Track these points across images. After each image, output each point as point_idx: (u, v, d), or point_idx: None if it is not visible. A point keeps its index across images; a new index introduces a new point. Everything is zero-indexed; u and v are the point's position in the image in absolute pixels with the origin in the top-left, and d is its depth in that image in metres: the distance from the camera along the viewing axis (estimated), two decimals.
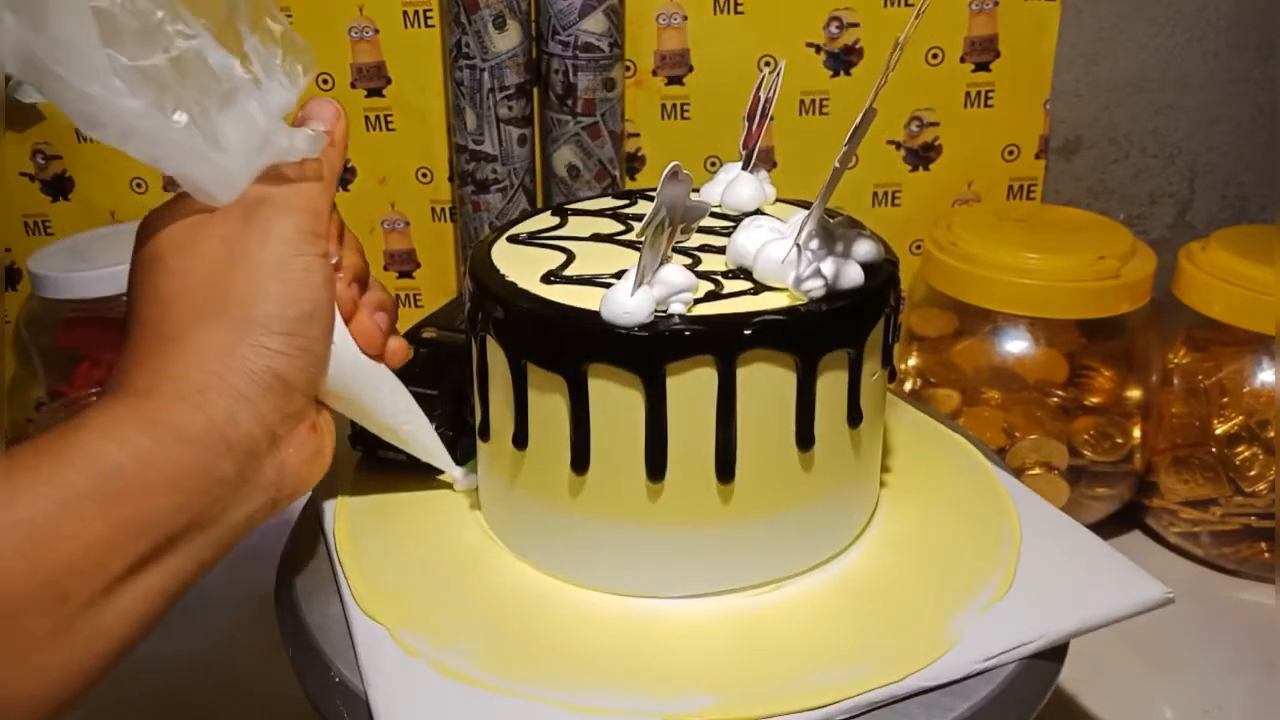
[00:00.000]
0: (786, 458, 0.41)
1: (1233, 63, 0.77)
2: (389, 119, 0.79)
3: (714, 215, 0.49)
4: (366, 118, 0.79)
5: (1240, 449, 0.66)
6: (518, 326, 0.40)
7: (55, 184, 0.82)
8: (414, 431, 0.45)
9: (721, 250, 0.43)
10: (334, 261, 0.40)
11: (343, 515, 0.48)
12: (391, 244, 0.83)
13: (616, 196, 0.53)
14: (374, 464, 0.49)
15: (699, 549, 0.41)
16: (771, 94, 0.50)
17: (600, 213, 0.50)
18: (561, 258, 0.44)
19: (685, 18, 0.75)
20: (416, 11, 0.75)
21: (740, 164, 0.51)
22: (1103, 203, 0.82)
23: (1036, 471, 0.67)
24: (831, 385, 0.41)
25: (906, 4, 0.74)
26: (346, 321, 0.40)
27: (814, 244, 0.40)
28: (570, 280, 0.42)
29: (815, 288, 0.40)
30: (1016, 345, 0.67)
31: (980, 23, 0.75)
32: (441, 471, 0.47)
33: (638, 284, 0.38)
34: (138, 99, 0.33)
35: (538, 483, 0.42)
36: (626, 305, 0.38)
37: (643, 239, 0.37)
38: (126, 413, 0.33)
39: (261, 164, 0.37)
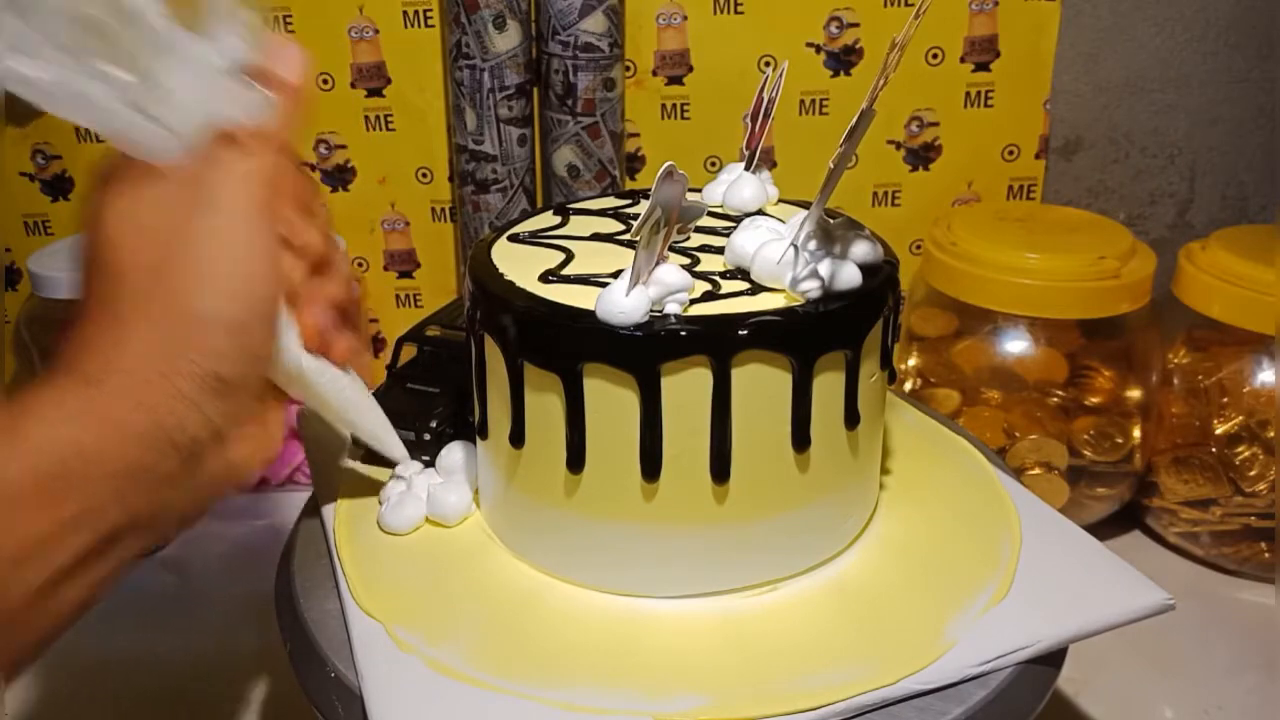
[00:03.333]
0: (782, 459, 0.41)
1: (1233, 63, 0.77)
2: (389, 119, 0.79)
3: (715, 216, 0.49)
4: (366, 118, 0.79)
5: (1240, 449, 0.66)
6: (515, 325, 0.40)
7: (55, 184, 0.82)
8: (361, 422, 0.45)
9: (721, 250, 0.43)
10: (296, 241, 0.37)
11: (343, 512, 0.48)
12: (391, 244, 0.83)
13: (619, 196, 0.53)
14: (373, 459, 0.49)
15: (693, 549, 0.42)
16: (774, 94, 0.50)
17: (602, 212, 0.50)
18: (560, 257, 0.44)
19: (685, 18, 0.75)
20: (416, 11, 0.75)
21: (742, 164, 0.51)
22: (1103, 203, 0.82)
23: (1036, 471, 0.67)
24: (828, 386, 0.41)
25: (906, 4, 0.74)
26: (294, 312, 0.38)
27: (811, 245, 0.40)
28: (568, 280, 0.42)
29: (811, 288, 0.40)
30: (1016, 345, 0.67)
31: (980, 23, 0.75)
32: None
33: (633, 283, 0.38)
34: (56, 53, 0.30)
35: (534, 481, 0.42)
36: (622, 305, 0.38)
37: (639, 239, 0.37)
38: (74, 404, 0.32)
39: (209, 120, 0.34)
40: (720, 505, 0.41)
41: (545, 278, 0.42)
